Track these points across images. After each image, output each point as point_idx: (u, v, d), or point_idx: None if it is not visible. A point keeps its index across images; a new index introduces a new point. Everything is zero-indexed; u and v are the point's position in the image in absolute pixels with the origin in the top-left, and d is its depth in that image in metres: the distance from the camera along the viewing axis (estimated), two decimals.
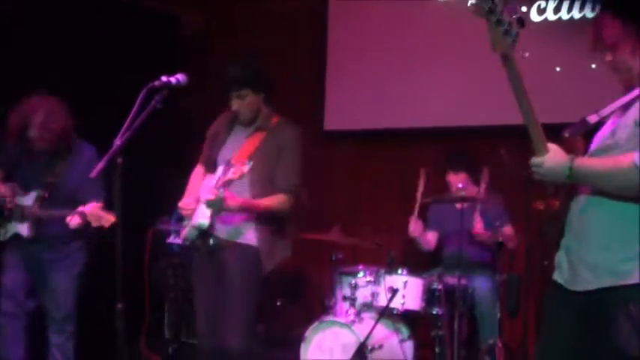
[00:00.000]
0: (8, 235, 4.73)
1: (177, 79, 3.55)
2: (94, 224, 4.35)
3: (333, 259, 5.37)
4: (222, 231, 4.15)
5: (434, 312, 5.05)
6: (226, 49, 7.08)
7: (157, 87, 3.47)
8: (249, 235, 4.16)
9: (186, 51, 7.18)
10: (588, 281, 2.63)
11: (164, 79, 3.51)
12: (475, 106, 6.19)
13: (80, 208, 4.41)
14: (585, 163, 2.65)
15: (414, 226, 5.48)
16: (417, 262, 5.90)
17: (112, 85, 5.95)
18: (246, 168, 3.84)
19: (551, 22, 6.13)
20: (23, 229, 4.67)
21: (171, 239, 5.20)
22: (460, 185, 5.36)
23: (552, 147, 2.64)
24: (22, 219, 4.67)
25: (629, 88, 2.76)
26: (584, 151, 2.78)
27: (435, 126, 6.53)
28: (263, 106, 4.25)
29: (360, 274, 5.15)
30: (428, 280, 5.10)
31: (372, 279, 5.07)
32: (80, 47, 6.13)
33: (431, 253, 5.81)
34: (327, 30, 7.04)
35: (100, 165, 3.26)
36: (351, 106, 6.89)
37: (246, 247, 4.14)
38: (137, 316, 5.96)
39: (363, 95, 6.81)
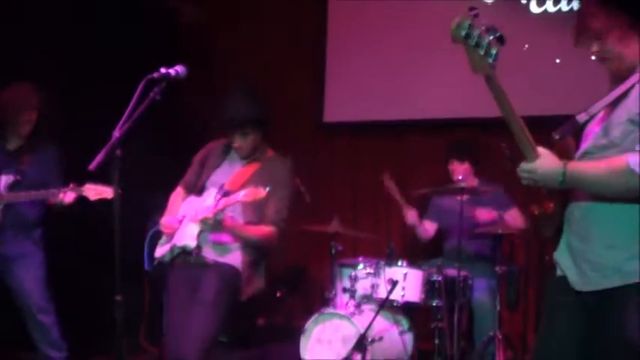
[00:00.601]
0: None
1: (177, 71, 3.52)
2: (93, 198, 4.52)
3: (333, 251, 5.37)
4: (207, 251, 4.13)
5: (434, 304, 5.05)
6: (226, 40, 7.09)
7: (156, 78, 3.45)
8: (234, 257, 4.14)
9: (186, 42, 7.17)
10: (596, 282, 2.62)
11: (163, 70, 3.49)
12: (476, 98, 6.11)
13: (72, 185, 4.56)
14: (578, 168, 2.61)
15: (411, 215, 5.51)
16: (416, 253, 5.90)
17: (111, 76, 5.94)
18: (262, 192, 3.80)
19: (551, 13, 6.12)
20: None
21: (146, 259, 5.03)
22: (460, 177, 5.35)
23: (543, 152, 2.61)
24: None
25: (617, 79, 2.72)
26: (576, 149, 2.76)
27: (434, 118, 6.53)
28: (261, 142, 4.28)
29: (360, 266, 5.14)
30: (428, 272, 5.10)
31: (372, 271, 5.06)
32: (79, 37, 6.12)
33: (431, 244, 5.82)
34: (328, 22, 7.04)
35: (99, 157, 3.24)
36: (350, 98, 6.89)
37: (228, 267, 4.12)
38: (136, 308, 5.96)
39: (362, 87, 6.81)
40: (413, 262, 5.19)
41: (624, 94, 2.64)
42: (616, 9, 2.62)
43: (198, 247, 4.07)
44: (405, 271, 5.01)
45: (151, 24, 6.77)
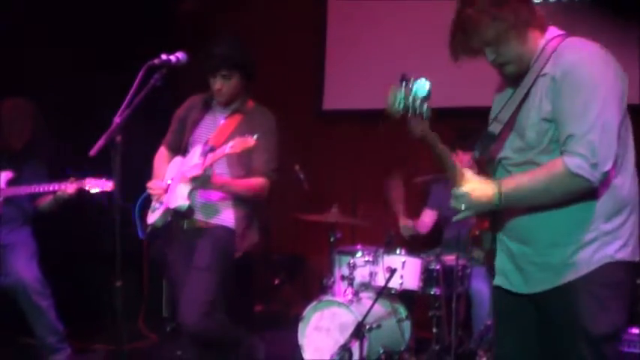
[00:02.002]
0: None
1: (177, 58, 3.53)
2: (93, 190, 4.73)
3: (332, 238, 5.37)
4: (198, 211, 4.15)
5: (432, 292, 5.05)
6: (226, 28, 7.07)
7: (157, 65, 3.46)
8: (226, 216, 4.17)
9: (186, 28, 7.15)
10: (544, 281, 2.60)
11: (164, 57, 3.49)
12: (477, 86, 6.14)
13: (72, 178, 4.75)
14: (513, 185, 2.55)
15: (404, 222, 5.49)
16: (415, 242, 5.90)
17: (111, 63, 5.92)
18: (251, 141, 3.78)
19: (551, 3, 6.11)
20: None
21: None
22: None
23: (469, 175, 2.59)
24: None
25: (512, 80, 2.67)
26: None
27: (434, 106, 6.51)
28: (242, 91, 4.27)
29: (359, 254, 5.15)
30: (426, 261, 5.09)
31: (371, 259, 5.07)
32: (78, 24, 6.10)
33: (429, 233, 5.81)
34: (328, 9, 7.02)
35: (100, 143, 3.25)
36: (350, 85, 6.88)
37: (221, 228, 4.15)
38: (135, 294, 5.96)
39: (362, 74, 6.79)
40: (412, 251, 5.19)
41: (527, 94, 2.59)
42: (503, 10, 2.51)
43: (191, 207, 4.08)
44: (403, 260, 5.01)
45: (151, 10, 6.75)
